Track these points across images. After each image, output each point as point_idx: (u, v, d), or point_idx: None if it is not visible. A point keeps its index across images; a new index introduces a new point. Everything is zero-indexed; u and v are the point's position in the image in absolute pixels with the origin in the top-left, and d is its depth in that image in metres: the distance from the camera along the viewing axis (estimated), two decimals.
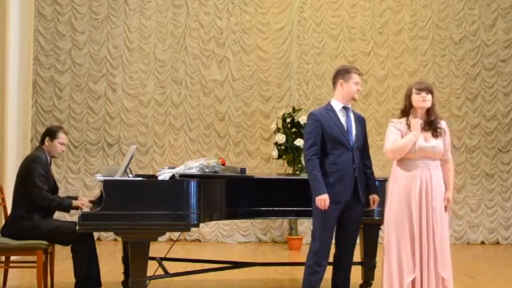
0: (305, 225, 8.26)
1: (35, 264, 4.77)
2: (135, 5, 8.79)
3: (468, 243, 8.83)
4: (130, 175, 4.99)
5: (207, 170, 4.64)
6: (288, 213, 4.92)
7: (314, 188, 4.19)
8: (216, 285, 5.75)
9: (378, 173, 4.74)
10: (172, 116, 8.76)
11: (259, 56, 8.87)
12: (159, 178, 4.59)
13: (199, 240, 8.56)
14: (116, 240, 7.97)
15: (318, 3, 8.96)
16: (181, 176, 4.56)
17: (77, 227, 4.30)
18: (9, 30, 6.87)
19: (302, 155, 6.63)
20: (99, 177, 4.92)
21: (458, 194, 8.89)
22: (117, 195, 4.30)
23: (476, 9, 9.10)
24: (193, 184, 4.36)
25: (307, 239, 7.87)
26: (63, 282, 5.36)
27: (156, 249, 4.93)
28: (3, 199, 5.42)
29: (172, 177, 4.59)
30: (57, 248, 5.25)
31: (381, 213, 4.46)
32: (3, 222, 5.36)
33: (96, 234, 7.13)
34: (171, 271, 5.00)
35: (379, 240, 4.94)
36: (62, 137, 5.07)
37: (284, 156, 8.02)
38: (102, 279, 4.95)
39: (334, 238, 4.35)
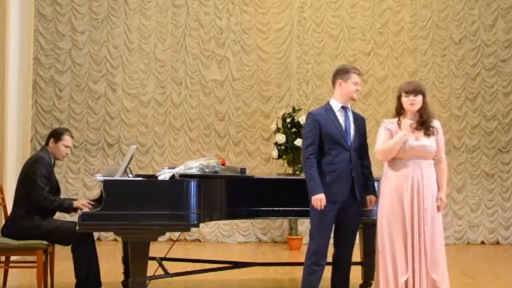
0: (305, 225, 8.26)
1: (35, 264, 4.77)
2: (135, 5, 8.79)
3: (468, 243, 8.82)
4: (130, 175, 4.99)
5: (207, 170, 4.64)
6: (288, 213, 4.92)
7: (310, 187, 4.20)
8: (216, 285, 5.75)
9: (377, 173, 4.73)
10: (172, 116, 8.76)
11: (259, 56, 8.87)
12: (159, 178, 4.59)
13: (199, 240, 8.56)
14: (116, 240, 7.97)
15: (318, 3, 8.96)
16: (181, 176, 4.56)
17: (77, 227, 4.30)
18: (9, 30, 6.87)
19: (302, 155, 6.63)
20: (99, 177, 4.92)
21: (458, 194, 8.89)
22: (117, 195, 4.30)
23: (476, 9, 9.10)
24: (193, 184, 4.37)
25: (307, 239, 7.82)
26: (63, 282, 5.36)
27: (156, 249, 4.93)
28: (3, 199, 5.42)
29: (172, 177, 4.60)
30: (57, 248, 5.25)
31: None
32: (3, 222, 5.36)
33: (96, 234, 7.14)
34: (171, 271, 5.00)
35: None
36: (67, 139, 5.06)
37: (284, 156, 8.02)
38: (102, 279, 4.96)
39: (332, 238, 4.36)
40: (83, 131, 8.55)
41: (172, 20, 8.85)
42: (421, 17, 9.06)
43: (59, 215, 5.15)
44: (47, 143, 5.08)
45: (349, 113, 4.40)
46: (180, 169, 4.68)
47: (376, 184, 4.46)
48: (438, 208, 4.12)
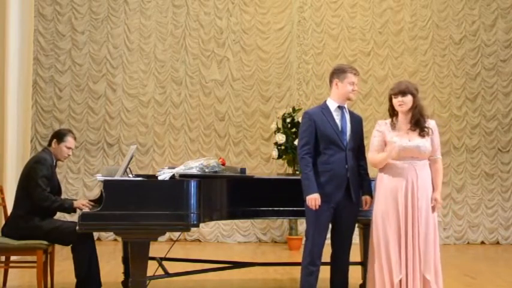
0: (305, 225, 8.24)
1: (35, 264, 4.77)
2: (135, 5, 8.79)
3: (468, 243, 8.82)
4: (130, 175, 4.99)
5: (207, 170, 4.64)
6: (288, 213, 4.92)
7: (305, 187, 4.21)
8: (216, 285, 5.75)
9: (373, 173, 4.72)
10: (172, 116, 8.76)
11: (259, 56, 8.87)
12: (159, 178, 4.59)
13: (199, 240, 8.56)
14: (116, 240, 7.97)
15: (318, 3, 8.96)
16: (181, 176, 4.56)
17: (77, 227, 4.30)
18: (9, 30, 6.87)
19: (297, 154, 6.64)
20: (99, 177, 4.92)
21: (458, 194, 8.89)
22: (117, 195, 4.30)
23: (476, 9, 9.10)
24: (193, 184, 4.37)
25: None
26: (63, 282, 5.36)
27: (156, 249, 4.93)
28: (3, 199, 5.42)
29: (172, 177, 4.60)
30: (57, 248, 5.25)
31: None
32: (3, 222, 5.36)
33: (96, 234, 7.14)
34: (171, 271, 5.01)
35: None
36: (69, 141, 5.06)
37: (284, 156, 8.02)
38: (102, 279, 4.96)
39: (329, 238, 4.35)
40: (83, 131, 8.54)
41: (172, 20, 8.85)
42: (421, 17, 9.06)
43: (59, 215, 5.15)
44: (49, 144, 5.08)
45: (345, 113, 4.38)
46: (180, 169, 4.68)
47: (371, 184, 4.46)
48: (433, 208, 4.12)
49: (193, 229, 5.22)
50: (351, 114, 4.45)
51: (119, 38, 8.75)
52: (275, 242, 8.61)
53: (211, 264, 5.41)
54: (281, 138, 7.93)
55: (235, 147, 8.77)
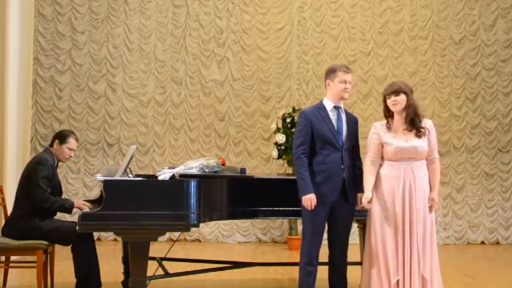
0: None
1: (35, 264, 4.78)
2: (135, 5, 8.79)
3: (468, 243, 8.82)
4: (130, 175, 4.99)
5: (207, 170, 4.65)
6: (288, 213, 4.90)
7: (301, 187, 4.20)
8: (216, 285, 5.75)
9: None
10: (172, 116, 8.76)
11: (259, 56, 8.87)
12: (159, 178, 4.59)
13: (199, 240, 8.56)
14: (116, 240, 7.97)
15: (318, 3, 8.96)
16: (181, 176, 4.57)
17: (77, 227, 4.30)
18: (9, 30, 6.87)
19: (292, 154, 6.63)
20: (99, 177, 4.93)
21: (458, 194, 8.89)
22: (117, 195, 4.30)
23: (476, 9, 9.10)
24: (193, 184, 4.37)
25: None
26: (63, 282, 5.36)
27: (156, 249, 4.93)
28: (3, 199, 5.42)
29: (172, 177, 4.60)
30: (57, 248, 5.26)
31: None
32: (3, 222, 5.36)
33: (96, 234, 7.14)
34: (171, 271, 5.01)
35: None
36: (71, 142, 5.06)
37: (284, 156, 8.01)
38: (102, 279, 4.96)
39: (327, 239, 4.34)
40: (83, 131, 8.54)
41: (172, 20, 8.85)
42: (421, 17, 9.06)
43: (59, 215, 5.15)
44: (51, 144, 5.08)
45: (341, 113, 4.37)
46: (180, 169, 4.68)
47: None
48: (430, 209, 4.12)
49: (193, 229, 5.22)
50: (347, 114, 4.44)
51: (119, 38, 8.75)
52: (275, 242, 8.61)
53: (211, 264, 5.41)
54: (281, 138, 7.93)
55: (235, 147, 8.77)
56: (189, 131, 8.76)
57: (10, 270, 5.35)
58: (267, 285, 5.83)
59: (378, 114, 8.70)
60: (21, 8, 7.19)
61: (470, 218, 8.87)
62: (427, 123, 4.20)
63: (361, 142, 9.20)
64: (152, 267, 4.74)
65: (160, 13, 8.83)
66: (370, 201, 4.15)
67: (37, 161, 4.96)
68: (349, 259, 4.46)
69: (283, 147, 7.95)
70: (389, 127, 4.19)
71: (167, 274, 4.99)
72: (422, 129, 4.13)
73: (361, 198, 4.31)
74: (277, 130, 8.08)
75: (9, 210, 5.19)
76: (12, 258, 5.32)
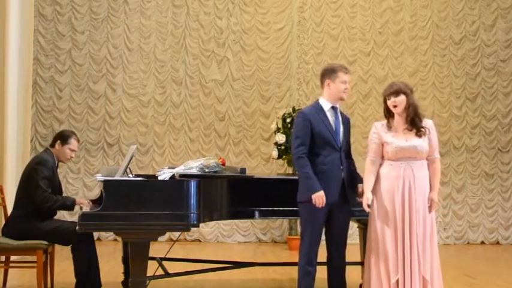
0: None
1: (35, 264, 4.78)
2: (135, 5, 8.79)
3: (468, 243, 8.82)
4: (130, 175, 4.99)
5: (207, 170, 4.64)
6: (288, 213, 4.90)
7: (308, 185, 4.15)
8: (216, 285, 5.75)
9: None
10: (172, 116, 8.76)
11: (259, 56, 8.87)
12: (159, 178, 4.59)
13: (199, 240, 8.56)
14: (116, 240, 7.97)
15: (318, 3, 8.96)
16: (181, 176, 4.56)
17: (77, 227, 4.30)
18: (9, 30, 6.87)
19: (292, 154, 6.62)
20: (99, 177, 4.92)
21: (458, 194, 8.89)
22: (117, 195, 4.30)
23: (476, 9, 9.10)
24: (193, 184, 4.37)
25: None
26: (63, 282, 5.36)
27: (156, 249, 4.93)
28: (3, 199, 5.41)
29: (172, 177, 4.60)
30: (57, 248, 5.26)
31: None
32: (3, 222, 5.36)
33: (96, 234, 7.14)
34: (171, 271, 5.01)
35: None
36: (73, 143, 5.06)
37: (284, 156, 8.02)
38: (102, 279, 4.96)
39: (324, 240, 4.32)
40: (83, 131, 8.54)
41: (172, 20, 8.85)
42: (421, 17, 9.06)
43: (59, 215, 5.15)
44: (52, 145, 5.07)
45: (338, 114, 4.36)
46: (180, 169, 4.68)
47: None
48: (429, 209, 4.12)
49: (193, 229, 5.21)
50: (342, 114, 4.42)
51: (119, 38, 8.75)
52: (275, 242, 8.61)
53: (211, 264, 5.41)
54: (281, 138, 7.93)
55: (235, 147, 8.77)
56: (189, 131, 8.76)
57: (10, 270, 5.35)
58: (266, 285, 5.83)
59: (378, 114, 8.69)
60: (21, 8, 7.19)
61: (470, 218, 8.88)
62: (427, 123, 4.20)
63: (361, 142, 9.26)
64: (152, 267, 4.74)
65: (160, 13, 8.83)
66: (370, 203, 4.13)
67: (37, 161, 4.96)
68: (349, 259, 4.46)
69: (283, 147, 7.95)
70: (389, 127, 4.19)
71: (167, 274, 4.98)
72: (422, 129, 4.13)
73: (362, 190, 4.30)
74: (277, 130, 8.08)
75: (9, 210, 5.19)
76: (12, 258, 5.32)
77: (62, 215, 5.40)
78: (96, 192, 7.77)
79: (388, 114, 4.23)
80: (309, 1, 8.93)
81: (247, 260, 6.39)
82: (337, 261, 4.34)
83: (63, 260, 5.92)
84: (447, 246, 8.46)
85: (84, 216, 4.30)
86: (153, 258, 4.86)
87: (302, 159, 4.19)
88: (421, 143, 4.11)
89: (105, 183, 4.39)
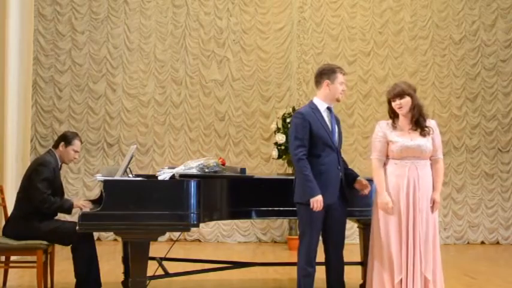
0: None
1: (35, 264, 4.78)
2: (135, 5, 8.79)
3: (468, 243, 8.82)
4: (131, 175, 4.99)
5: (207, 170, 4.64)
6: (288, 213, 4.89)
7: (308, 189, 4.13)
8: (216, 285, 5.75)
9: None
10: (172, 116, 8.76)
11: (259, 56, 8.87)
12: (159, 178, 4.59)
13: (199, 240, 8.56)
14: (116, 240, 7.97)
15: (318, 3, 8.96)
16: (181, 176, 4.56)
17: (77, 227, 4.30)
18: (9, 30, 6.87)
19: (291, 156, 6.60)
20: (99, 177, 4.92)
21: (458, 194, 8.89)
22: (117, 195, 4.30)
23: (476, 9, 9.10)
24: (193, 184, 4.37)
25: None
26: (63, 282, 5.36)
27: (156, 249, 4.93)
28: (3, 199, 5.41)
29: (172, 177, 4.60)
30: (57, 248, 5.25)
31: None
32: (3, 222, 5.36)
33: (96, 234, 7.14)
34: (171, 271, 5.01)
35: None
36: (76, 144, 5.06)
37: (284, 156, 8.01)
38: (102, 279, 4.96)
39: (322, 240, 4.32)
40: (83, 131, 8.53)
41: (172, 20, 8.85)
42: (421, 17, 9.06)
43: (59, 215, 5.14)
44: (55, 146, 5.07)
45: (333, 114, 4.36)
46: (180, 169, 4.68)
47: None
48: (431, 209, 4.11)
49: (193, 229, 5.22)
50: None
51: (119, 38, 8.75)
52: (275, 242, 8.61)
53: (211, 264, 5.41)
54: (281, 138, 7.93)
55: (235, 147, 8.77)
56: (189, 131, 8.76)
57: (10, 270, 5.34)
58: (266, 285, 5.83)
59: (378, 114, 8.71)
60: (21, 8, 7.19)
61: (470, 218, 8.88)
62: (431, 123, 4.21)
63: (361, 142, 9.25)
64: (152, 267, 4.74)
65: (160, 13, 8.83)
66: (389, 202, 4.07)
67: (39, 162, 4.96)
68: (349, 259, 4.46)
69: (283, 147, 7.95)
70: (394, 126, 4.18)
71: (167, 274, 4.98)
72: (426, 128, 4.14)
73: (362, 183, 4.32)
74: (277, 130, 8.08)
75: (9, 210, 5.19)
76: (12, 258, 5.31)
77: (63, 215, 5.38)
78: (96, 192, 7.78)
79: (393, 114, 4.22)
80: (309, 1, 8.93)
81: (247, 260, 6.40)
82: (336, 261, 4.33)
83: (63, 260, 5.92)
84: (447, 246, 8.46)
85: (84, 216, 4.30)
86: (153, 258, 4.86)
87: (302, 161, 4.17)
88: (426, 142, 4.12)
89: (105, 183, 4.38)
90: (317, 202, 4.10)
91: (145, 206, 4.28)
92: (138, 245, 4.32)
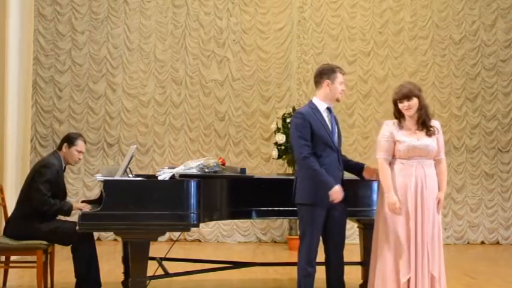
0: None
1: (35, 264, 4.78)
2: (135, 5, 8.79)
3: (468, 243, 8.82)
4: (130, 175, 4.99)
5: (207, 170, 4.64)
6: (288, 213, 4.89)
7: (324, 183, 4.11)
8: (216, 285, 5.75)
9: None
10: (172, 116, 8.76)
11: (259, 56, 8.87)
12: (159, 178, 4.59)
13: (199, 240, 8.56)
14: (116, 240, 7.97)
15: (318, 3, 8.96)
16: (181, 176, 4.56)
17: (77, 227, 4.30)
18: (9, 30, 6.87)
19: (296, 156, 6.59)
20: (99, 177, 4.92)
21: (458, 194, 8.89)
22: (117, 195, 4.30)
23: (476, 9, 9.10)
24: (193, 184, 4.37)
25: None
26: (63, 282, 5.36)
27: (156, 249, 4.93)
28: (3, 199, 5.41)
29: (172, 177, 4.60)
30: (57, 248, 5.25)
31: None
32: (3, 222, 5.36)
33: (96, 234, 7.13)
34: (171, 271, 5.01)
35: None
36: (80, 144, 5.05)
37: (284, 156, 8.01)
38: (102, 279, 4.96)
39: (322, 241, 4.32)
40: (83, 131, 8.50)
41: (172, 20, 8.85)
42: (421, 17, 9.06)
43: (59, 216, 5.14)
44: (60, 148, 5.07)
45: (333, 114, 4.36)
46: (180, 169, 4.68)
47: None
48: (437, 208, 4.12)
49: (193, 229, 5.22)
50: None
51: (119, 38, 8.75)
52: (275, 242, 8.61)
53: (211, 264, 5.41)
54: (281, 138, 7.93)
55: (235, 147, 8.77)
56: (189, 131, 8.76)
57: (10, 270, 5.34)
58: (266, 285, 5.83)
59: (378, 114, 8.72)
60: (21, 8, 7.19)
61: (470, 218, 8.88)
62: (435, 123, 4.21)
63: (361, 142, 9.25)
64: (152, 267, 4.74)
65: (160, 13, 8.83)
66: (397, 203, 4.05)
67: (43, 164, 4.97)
68: (349, 259, 4.46)
69: (283, 147, 7.95)
70: (401, 126, 4.17)
71: (167, 274, 4.99)
72: (431, 128, 4.14)
73: (369, 171, 4.31)
74: (277, 130, 8.08)
75: (9, 210, 5.19)
76: (12, 258, 5.32)
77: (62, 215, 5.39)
78: (96, 192, 7.78)
79: (399, 115, 4.21)
80: (309, 1, 8.93)
81: (247, 260, 6.40)
82: (336, 262, 4.33)
83: (63, 260, 5.92)
84: (447, 246, 8.44)
85: (84, 216, 4.30)
86: (153, 258, 4.86)
87: (309, 159, 4.14)
88: (432, 142, 4.13)
89: (105, 183, 4.39)
90: (336, 193, 4.09)
91: (145, 206, 4.28)
92: (138, 245, 4.32)
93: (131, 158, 4.95)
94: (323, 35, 8.95)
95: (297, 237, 8.05)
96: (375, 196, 4.62)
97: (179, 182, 4.46)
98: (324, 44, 8.93)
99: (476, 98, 9.05)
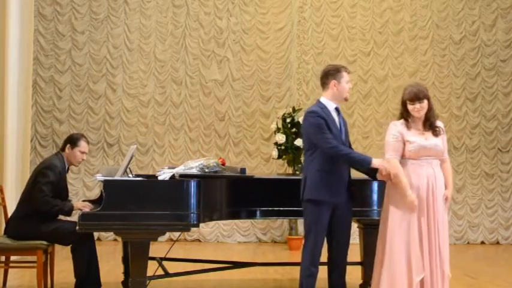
0: None
1: (35, 264, 4.78)
2: (135, 5, 8.79)
3: (468, 243, 8.83)
4: (131, 175, 4.99)
5: (207, 170, 4.64)
6: (288, 213, 4.91)
7: (360, 160, 4.15)
8: (216, 285, 5.75)
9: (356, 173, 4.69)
10: (172, 116, 8.76)
11: (259, 56, 8.87)
12: (159, 178, 4.59)
13: (199, 240, 8.56)
14: (116, 240, 7.97)
15: (318, 3, 8.96)
16: (181, 176, 4.56)
17: (77, 227, 4.30)
18: (9, 30, 6.87)
19: (302, 155, 6.60)
20: (99, 177, 4.92)
21: (458, 194, 8.89)
22: (117, 195, 4.30)
23: (476, 9, 9.10)
24: (193, 184, 4.37)
25: None
26: (63, 282, 5.36)
27: (156, 249, 4.93)
28: (3, 199, 5.41)
29: (172, 177, 4.60)
30: (57, 248, 5.25)
31: (381, 214, 4.43)
32: (3, 222, 5.36)
33: (96, 234, 7.13)
34: (171, 271, 5.01)
35: None
36: (83, 145, 5.05)
37: (284, 156, 8.02)
38: (102, 279, 4.96)
39: (326, 240, 4.30)
40: (83, 131, 8.49)
41: (172, 20, 8.85)
42: (421, 17, 9.06)
43: (59, 216, 5.14)
44: (62, 149, 5.07)
45: (341, 114, 4.35)
46: (180, 169, 4.68)
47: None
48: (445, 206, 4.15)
49: (193, 229, 5.22)
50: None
51: (119, 38, 8.75)
52: (275, 242, 8.61)
53: (211, 264, 5.41)
54: (281, 138, 7.93)
55: (235, 147, 8.77)
56: (189, 131, 8.76)
57: (10, 270, 5.35)
58: (267, 285, 5.83)
59: (378, 114, 8.73)
60: (21, 8, 7.19)
61: (470, 218, 8.88)
62: (439, 123, 4.21)
63: (361, 142, 9.24)
64: (152, 267, 4.74)
65: (160, 13, 8.83)
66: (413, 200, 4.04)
67: (45, 165, 4.97)
68: (349, 259, 4.45)
69: (283, 147, 7.95)
70: (409, 126, 4.17)
71: (167, 274, 4.99)
72: (437, 128, 4.14)
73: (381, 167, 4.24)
74: (277, 130, 8.09)
75: (9, 210, 5.19)
76: (12, 258, 5.32)
77: (62, 216, 5.39)
78: (96, 192, 7.78)
79: (406, 115, 4.19)
80: (309, 1, 8.93)
81: (247, 260, 6.40)
82: (340, 261, 4.32)
83: (63, 260, 5.92)
84: None
85: (84, 216, 4.30)
86: (153, 258, 4.86)
87: (339, 147, 4.12)
88: (439, 142, 4.14)
89: (105, 183, 4.39)
90: (381, 166, 4.07)
91: (145, 206, 4.28)
92: (138, 245, 4.32)
93: (131, 158, 4.95)
94: (323, 35, 8.95)
95: (297, 237, 8.10)
96: (375, 196, 4.62)
97: (179, 182, 4.46)
98: (324, 44, 8.93)
99: (476, 98, 9.05)
